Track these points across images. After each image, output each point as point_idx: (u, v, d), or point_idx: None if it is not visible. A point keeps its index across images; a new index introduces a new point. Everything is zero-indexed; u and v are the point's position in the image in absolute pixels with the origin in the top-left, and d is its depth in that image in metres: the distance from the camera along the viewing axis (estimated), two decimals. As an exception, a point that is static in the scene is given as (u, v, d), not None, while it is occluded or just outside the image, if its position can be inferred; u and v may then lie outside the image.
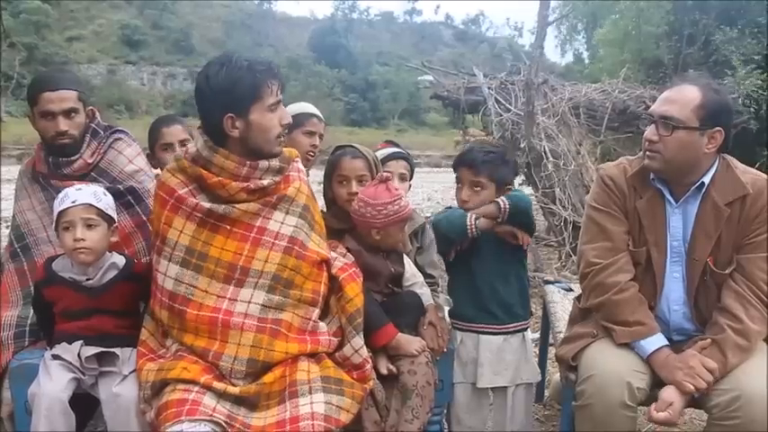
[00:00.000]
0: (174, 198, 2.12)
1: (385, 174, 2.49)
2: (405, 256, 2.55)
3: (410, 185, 2.88)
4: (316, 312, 2.21)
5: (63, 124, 2.45)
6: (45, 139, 2.52)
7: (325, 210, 2.60)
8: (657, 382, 2.14)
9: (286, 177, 2.23)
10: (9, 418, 2.28)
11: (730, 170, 2.22)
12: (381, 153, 2.83)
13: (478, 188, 2.56)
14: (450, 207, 2.79)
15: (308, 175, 2.97)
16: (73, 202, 2.16)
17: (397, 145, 2.96)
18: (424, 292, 2.51)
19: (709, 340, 2.13)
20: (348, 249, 2.42)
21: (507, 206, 2.52)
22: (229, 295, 2.11)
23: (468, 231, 2.52)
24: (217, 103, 2.06)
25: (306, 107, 3.13)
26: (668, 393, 2.07)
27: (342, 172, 2.55)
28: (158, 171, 2.72)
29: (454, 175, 2.70)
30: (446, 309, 2.62)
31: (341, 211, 2.57)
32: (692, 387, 2.04)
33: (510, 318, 2.55)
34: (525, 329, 2.61)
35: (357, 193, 2.48)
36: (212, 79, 2.04)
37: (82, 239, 2.15)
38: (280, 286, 2.14)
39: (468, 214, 2.53)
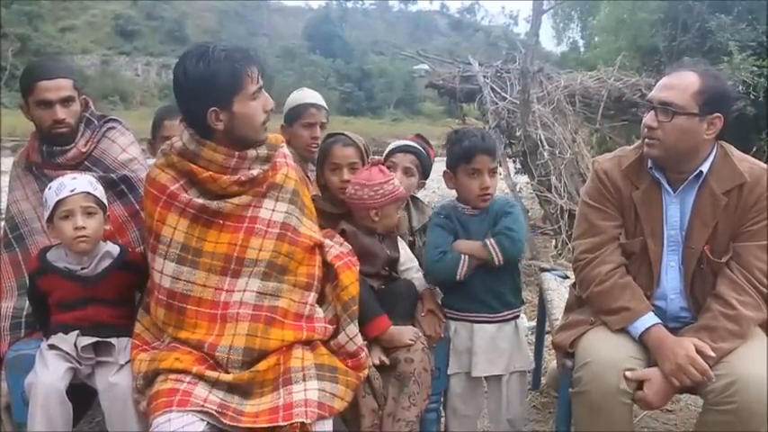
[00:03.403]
0: (167, 195, 2.11)
1: (376, 157, 2.51)
2: (400, 240, 2.56)
3: (423, 183, 2.82)
4: (312, 296, 2.21)
5: (61, 112, 2.44)
6: (41, 129, 2.50)
7: (319, 195, 2.61)
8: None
9: (273, 164, 2.22)
10: (5, 409, 2.28)
11: (728, 158, 2.22)
12: (394, 143, 2.83)
13: (494, 174, 2.54)
14: (448, 203, 2.72)
15: (312, 165, 2.97)
16: (72, 190, 2.15)
17: (425, 140, 2.90)
18: (420, 277, 2.55)
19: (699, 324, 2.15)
20: (344, 232, 2.43)
21: (501, 258, 2.45)
22: (226, 287, 2.11)
23: (459, 276, 2.47)
24: (198, 97, 2.03)
25: (303, 97, 3.11)
26: (651, 372, 2.10)
27: (334, 160, 2.56)
28: None
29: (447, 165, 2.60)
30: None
31: (333, 197, 2.57)
32: (677, 383, 2.06)
33: (503, 306, 2.54)
34: (518, 317, 2.61)
35: (349, 181, 2.50)
36: (190, 73, 2.01)
37: (83, 227, 2.15)
38: (274, 273, 2.14)
39: (462, 260, 2.46)
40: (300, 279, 2.19)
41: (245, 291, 2.11)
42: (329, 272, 2.27)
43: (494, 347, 2.51)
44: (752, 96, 7.39)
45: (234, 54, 2.02)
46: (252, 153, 2.13)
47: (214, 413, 1.90)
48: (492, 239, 2.46)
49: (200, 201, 2.10)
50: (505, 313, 2.54)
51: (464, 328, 2.53)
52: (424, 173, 2.83)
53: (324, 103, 3.14)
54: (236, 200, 2.12)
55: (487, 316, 2.52)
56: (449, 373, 2.53)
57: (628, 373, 2.07)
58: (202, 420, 1.89)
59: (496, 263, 2.45)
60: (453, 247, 2.50)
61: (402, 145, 2.81)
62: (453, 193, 2.63)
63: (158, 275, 2.12)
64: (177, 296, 2.10)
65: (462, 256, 2.46)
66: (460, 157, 2.50)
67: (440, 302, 2.58)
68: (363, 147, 2.60)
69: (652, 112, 2.18)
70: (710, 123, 2.15)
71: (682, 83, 2.15)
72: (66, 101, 2.46)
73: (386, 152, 2.82)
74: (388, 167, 2.63)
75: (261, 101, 2.10)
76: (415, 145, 2.83)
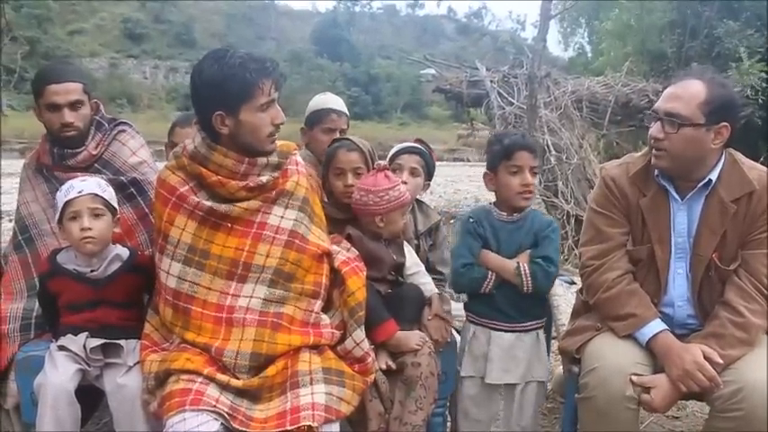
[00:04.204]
0: (176, 196, 2.12)
1: (382, 163, 2.51)
2: (406, 244, 2.56)
3: (428, 184, 2.83)
4: (318, 304, 2.21)
5: (69, 116, 2.47)
6: (51, 132, 2.53)
7: (326, 200, 2.61)
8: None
9: (284, 172, 2.23)
10: (15, 409, 2.30)
11: (737, 166, 2.21)
12: (398, 146, 2.83)
13: (534, 173, 2.53)
14: (481, 207, 2.70)
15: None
16: (79, 192, 2.17)
17: (426, 144, 2.91)
18: (427, 282, 2.54)
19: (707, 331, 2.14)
20: (350, 237, 2.43)
21: (531, 288, 2.46)
22: (232, 291, 2.12)
23: (483, 290, 2.49)
24: (207, 99, 2.04)
25: (326, 102, 3.11)
26: (657, 378, 2.09)
27: (338, 165, 2.55)
28: None
29: (484, 164, 2.60)
30: (452, 303, 2.62)
31: (339, 202, 2.57)
32: (684, 388, 2.06)
33: (524, 316, 2.52)
34: (540, 328, 2.58)
35: (353, 186, 2.49)
36: (204, 75, 2.03)
37: (89, 228, 2.16)
38: (281, 280, 2.15)
39: (489, 277, 2.48)
40: (307, 287, 2.19)
41: (251, 297, 2.11)
42: (336, 277, 2.27)
43: (510, 356, 2.48)
44: (760, 101, 7.37)
45: (249, 63, 2.02)
46: (262, 160, 2.13)
47: (225, 415, 1.91)
48: (526, 266, 2.45)
49: (209, 203, 2.10)
50: (527, 324, 2.52)
51: (483, 334, 2.51)
52: (429, 174, 2.83)
53: (345, 110, 3.14)
54: (244, 204, 2.13)
55: (507, 325, 2.50)
56: (462, 375, 2.53)
57: (634, 378, 2.07)
58: (216, 420, 1.89)
59: (525, 290, 2.45)
60: (482, 258, 2.49)
61: (406, 146, 2.82)
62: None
63: (164, 275, 2.13)
64: (182, 297, 2.11)
65: (489, 273, 2.47)
66: (501, 155, 2.49)
67: (463, 307, 2.57)
68: (368, 152, 2.59)
69: (658, 123, 2.18)
70: (717, 133, 2.14)
71: (687, 93, 2.14)
72: (74, 104, 2.48)
73: (390, 155, 2.82)
74: (394, 170, 2.63)
75: (270, 113, 2.09)
76: (419, 146, 2.84)
